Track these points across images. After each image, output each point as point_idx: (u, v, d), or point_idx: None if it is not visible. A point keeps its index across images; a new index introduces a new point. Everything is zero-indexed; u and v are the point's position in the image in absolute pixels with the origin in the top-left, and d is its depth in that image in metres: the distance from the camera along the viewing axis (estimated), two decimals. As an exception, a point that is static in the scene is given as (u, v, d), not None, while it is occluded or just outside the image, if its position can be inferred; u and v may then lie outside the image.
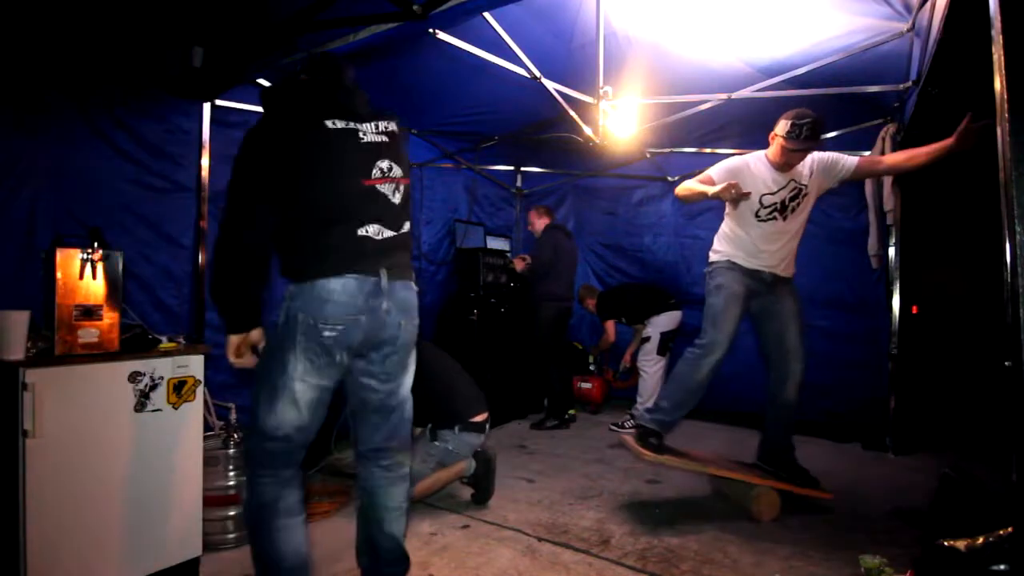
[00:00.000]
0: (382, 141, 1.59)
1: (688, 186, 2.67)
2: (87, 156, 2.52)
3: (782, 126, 2.50)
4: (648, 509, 2.73)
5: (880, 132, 3.41)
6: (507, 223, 5.54)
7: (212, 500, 2.19)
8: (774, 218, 2.61)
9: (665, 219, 5.04)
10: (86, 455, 1.81)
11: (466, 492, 2.81)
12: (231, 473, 2.31)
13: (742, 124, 3.81)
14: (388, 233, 1.57)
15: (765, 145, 2.64)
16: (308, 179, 1.48)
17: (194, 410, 2.05)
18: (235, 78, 2.71)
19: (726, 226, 2.76)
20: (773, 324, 2.72)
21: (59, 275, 1.84)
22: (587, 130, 3.41)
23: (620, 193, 5.31)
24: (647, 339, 4.35)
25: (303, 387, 1.48)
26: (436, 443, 2.68)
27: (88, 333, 1.89)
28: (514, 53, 2.75)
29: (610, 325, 4.66)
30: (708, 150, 4.35)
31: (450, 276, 4.74)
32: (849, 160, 2.62)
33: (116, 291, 1.95)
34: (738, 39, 2.79)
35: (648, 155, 4.54)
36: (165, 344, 2.07)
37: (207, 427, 2.43)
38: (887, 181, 3.43)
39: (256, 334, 1.58)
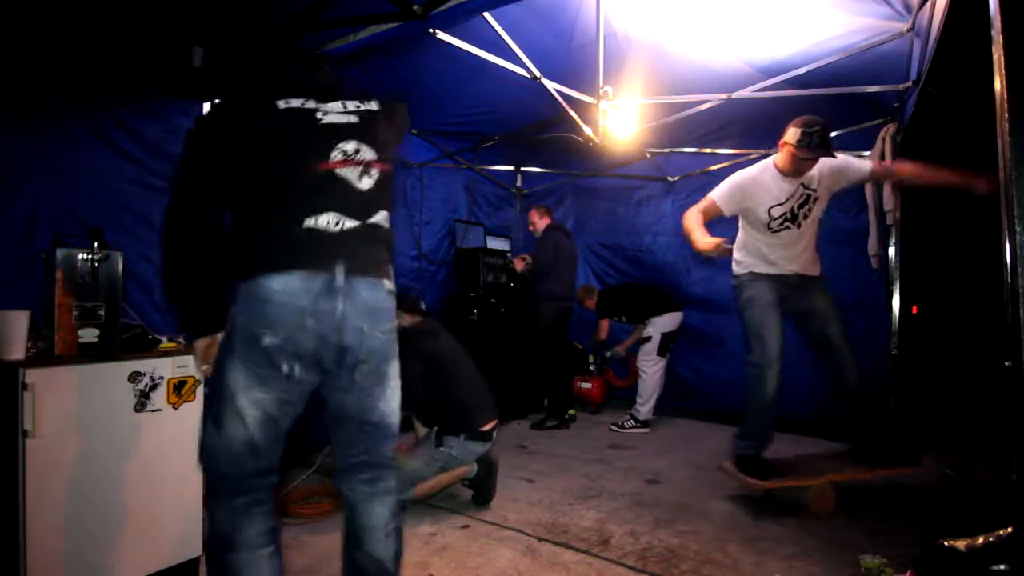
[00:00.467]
0: (348, 122, 1.39)
1: (687, 220, 2.64)
2: (87, 156, 2.52)
3: (792, 134, 2.50)
4: (648, 509, 2.73)
5: (880, 132, 3.41)
6: (507, 223, 5.54)
7: (212, 500, 2.18)
8: (787, 227, 2.63)
9: (665, 219, 5.03)
10: (86, 455, 1.81)
11: (467, 492, 2.81)
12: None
13: (742, 124, 3.81)
14: (350, 223, 1.34)
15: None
16: (254, 166, 1.32)
17: (194, 410, 2.04)
18: (236, 78, 2.71)
19: (742, 237, 2.78)
20: (813, 323, 2.74)
21: (59, 275, 1.84)
22: (587, 130, 3.41)
23: (620, 193, 5.31)
24: (648, 339, 4.35)
25: (247, 401, 1.28)
26: (441, 448, 2.67)
27: (88, 333, 1.89)
28: (514, 53, 2.74)
29: (604, 324, 4.66)
30: (708, 150, 4.35)
31: (450, 276, 4.74)
32: (863, 164, 2.66)
33: (116, 291, 1.95)
34: (738, 39, 2.79)
35: (648, 155, 4.54)
36: (165, 344, 2.08)
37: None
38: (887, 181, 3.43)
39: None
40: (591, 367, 5.12)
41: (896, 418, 2.83)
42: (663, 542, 2.36)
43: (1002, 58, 1.21)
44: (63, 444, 1.75)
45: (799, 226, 2.64)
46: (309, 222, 1.30)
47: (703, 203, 2.68)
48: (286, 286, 1.26)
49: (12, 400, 1.69)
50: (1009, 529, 1.37)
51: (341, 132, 1.38)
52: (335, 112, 1.39)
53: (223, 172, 1.33)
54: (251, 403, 1.28)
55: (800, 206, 2.62)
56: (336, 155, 1.35)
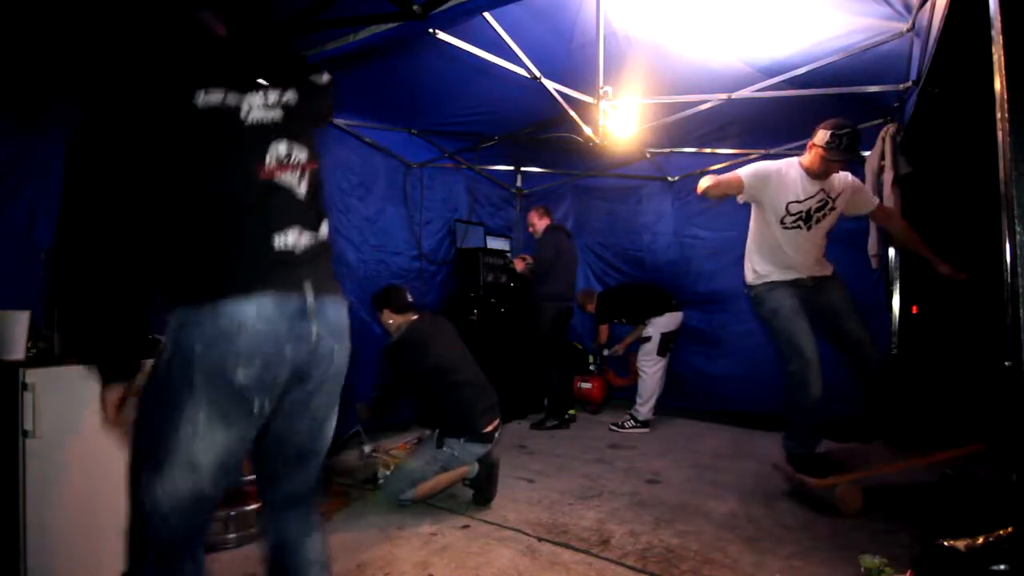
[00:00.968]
0: (274, 119, 1.19)
1: (707, 179, 2.62)
2: (87, 156, 2.52)
3: (821, 136, 2.53)
4: (648, 509, 2.73)
5: (880, 132, 3.41)
6: (507, 223, 5.55)
7: (212, 500, 2.18)
8: (798, 227, 2.64)
9: (665, 219, 5.03)
10: (86, 455, 1.81)
11: (467, 492, 2.81)
12: (231, 473, 2.31)
13: (742, 124, 3.81)
14: (307, 239, 1.19)
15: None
16: (180, 173, 1.10)
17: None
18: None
19: (752, 241, 2.79)
20: (830, 324, 2.75)
21: (59, 275, 1.84)
22: (587, 130, 3.41)
23: (620, 193, 5.31)
24: (648, 339, 4.35)
25: (204, 447, 1.07)
26: (443, 449, 2.67)
27: (88, 333, 1.89)
28: (514, 53, 2.74)
29: (603, 329, 4.65)
30: (708, 150, 4.35)
31: (450, 276, 4.74)
32: (873, 200, 2.76)
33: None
34: (738, 39, 2.79)
35: (648, 155, 4.54)
36: (165, 344, 2.07)
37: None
38: (887, 181, 3.43)
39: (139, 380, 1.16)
40: (591, 367, 5.12)
41: (921, 405, 2.85)
42: (663, 542, 2.36)
43: (1002, 58, 1.21)
44: (63, 444, 1.75)
45: (809, 228, 2.65)
46: (279, 240, 1.14)
47: (727, 175, 2.66)
48: (260, 311, 1.07)
49: (12, 400, 1.69)
50: (1009, 529, 1.37)
51: (270, 132, 1.18)
52: (258, 107, 1.18)
53: (135, 176, 1.10)
54: (209, 449, 1.08)
55: (817, 209, 2.64)
56: (270, 160, 1.17)
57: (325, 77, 1.36)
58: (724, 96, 3.22)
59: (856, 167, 3.53)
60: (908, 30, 2.51)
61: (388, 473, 2.87)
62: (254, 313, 1.07)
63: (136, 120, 1.11)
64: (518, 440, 4.03)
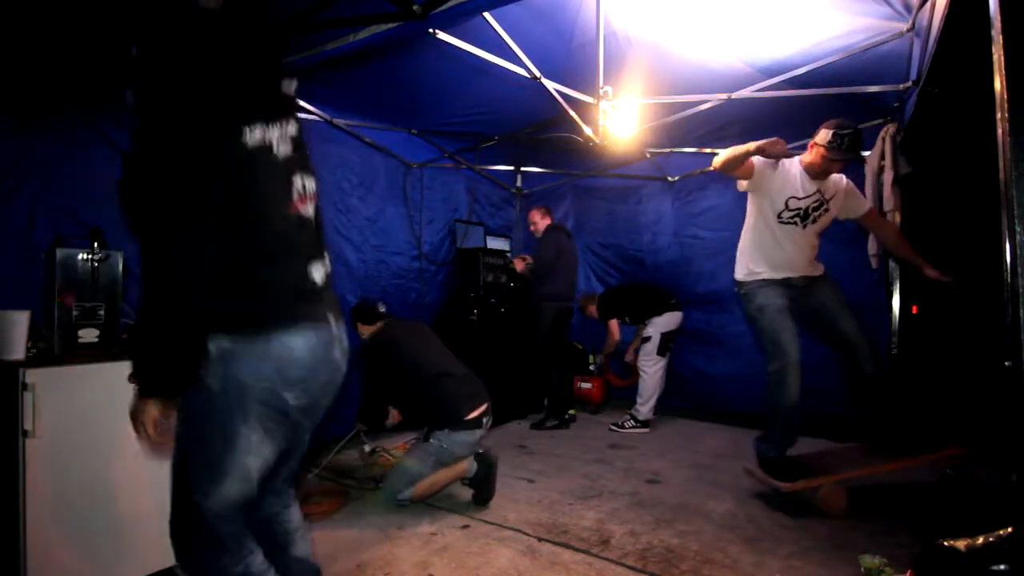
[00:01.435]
0: (288, 154, 1.24)
1: (729, 150, 2.57)
2: (87, 156, 2.52)
3: (823, 135, 2.54)
4: (648, 509, 2.73)
5: (880, 132, 3.41)
6: (507, 223, 5.55)
7: (212, 500, 2.18)
8: (794, 223, 2.64)
9: (665, 219, 5.03)
10: (86, 455, 1.81)
11: (466, 492, 2.81)
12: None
13: (742, 124, 3.80)
14: (325, 269, 1.31)
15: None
16: (231, 206, 1.14)
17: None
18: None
19: (746, 237, 2.78)
20: (822, 323, 2.75)
21: (59, 275, 1.84)
22: (587, 130, 3.41)
23: (620, 193, 5.31)
24: (648, 339, 4.36)
25: (256, 460, 1.22)
26: (431, 441, 2.68)
27: (88, 333, 1.89)
28: (514, 53, 2.74)
29: (613, 324, 4.64)
30: (708, 150, 4.35)
31: (450, 276, 4.74)
32: (866, 204, 2.76)
33: (116, 291, 1.95)
34: (738, 39, 2.79)
35: (648, 155, 4.54)
36: (165, 344, 2.07)
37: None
38: (887, 181, 3.43)
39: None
40: (591, 367, 5.12)
41: (912, 406, 2.84)
42: (663, 542, 2.36)
43: (1002, 58, 1.21)
44: (63, 444, 1.75)
45: (805, 227, 2.66)
46: (314, 274, 1.26)
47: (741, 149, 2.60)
48: (307, 342, 1.21)
49: (12, 400, 1.69)
50: (1009, 529, 1.37)
51: (291, 166, 1.25)
52: (281, 140, 1.23)
53: (201, 219, 1.12)
54: (257, 462, 1.23)
55: (814, 209, 2.65)
56: (295, 194, 1.24)
57: (293, 85, 1.34)
58: (724, 96, 3.22)
59: (856, 167, 3.54)
60: (908, 30, 2.51)
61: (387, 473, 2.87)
62: (301, 343, 1.20)
63: (196, 160, 1.12)
64: (518, 440, 4.03)
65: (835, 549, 2.26)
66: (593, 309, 4.75)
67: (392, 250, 4.27)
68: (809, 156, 2.62)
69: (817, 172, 2.61)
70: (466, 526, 2.53)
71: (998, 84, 1.22)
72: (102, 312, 1.92)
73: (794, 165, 2.66)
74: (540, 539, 2.39)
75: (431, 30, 2.43)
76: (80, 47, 2.42)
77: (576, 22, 2.73)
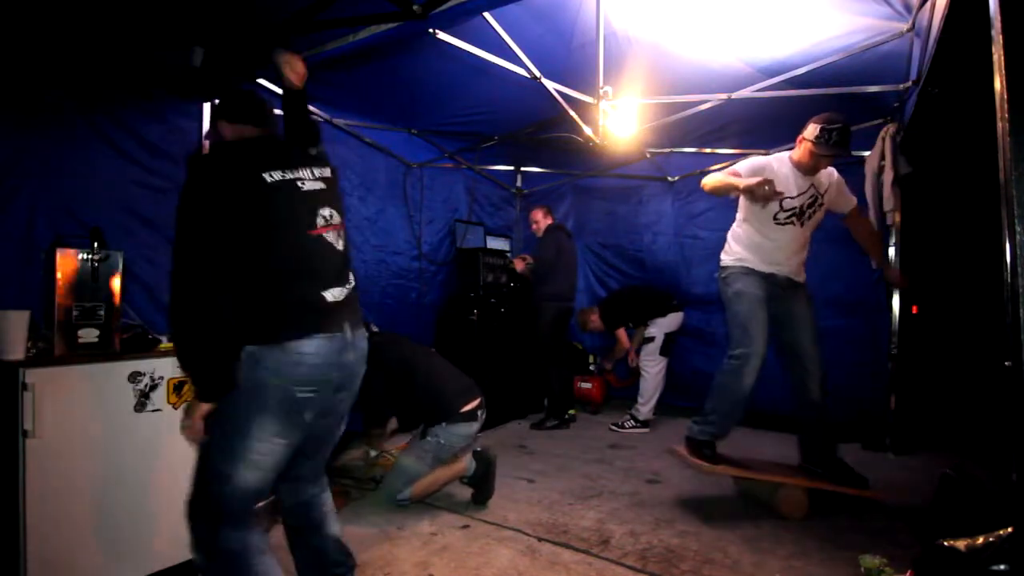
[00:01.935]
0: (319, 188, 1.54)
1: (717, 178, 2.59)
2: (87, 156, 2.52)
3: (811, 130, 2.50)
4: (648, 509, 2.73)
5: (880, 132, 3.41)
6: (507, 223, 5.55)
7: (212, 500, 2.18)
8: (792, 223, 2.62)
9: (665, 219, 5.04)
10: (86, 455, 1.81)
11: (466, 492, 2.81)
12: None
13: (742, 124, 3.81)
14: (348, 286, 1.56)
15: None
16: (257, 235, 1.42)
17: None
18: (235, 78, 2.71)
19: (741, 229, 2.74)
20: (786, 331, 2.72)
21: (59, 275, 1.84)
22: (587, 130, 3.41)
23: (620, 193, 5.31)
24: (651, 339, 4.35)
25: (270, 450, 1.43)
26: (428, 438, 2.68)
27: (88, 333, 1.89)
28: (514, 53, 2.74)
29: (622, 333, 4.62)
30: (708, 150, 4.35)
31: (450, 276, 4.74)
32: (851, 200, 2.73)
33: (116, 291, 1.95)
34: (738, 39, 2.79)
35: (648, 155, 4.54)
36: (165, 344, 2.07)
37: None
38: (887, 181, 3.44)
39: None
40: (591, 367, 5.12)
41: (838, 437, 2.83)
42: (663, 542, 2.36)
43: (1002, 58, 1.21)
44: (63, 444, 1.75)
45: (802, 225, 2.63)
46: (328, 294, 1.48)
47: (727, 177, 2.59)
48: (318, 349, 1.43)
49: (12, 400, 1.69)
50: (1009, 529, 1.37)
51: (318, 198, 1.53)
52: (310, 180, 1.52)
53: (223, 245, 1.40)
54: (272, 451, 1.43)
55: (809, 206, 2.62)
56: (320, 221, 1.51)
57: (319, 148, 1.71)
58: (724, 96, 3.22)
59: (857, 167, 3.54)
60: (908, 30, 2.51)
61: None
62: (313, 350, 1.42)
63: (224, 195, 1.41)
64: (518, 440, 4.03)
65: (835, 549, 2.26)
66: (596, 320, 4.72)
67: (392, 250, 4.27)
68: (798, 152, 2.58)
69: (807, 168, 2.57)
70: (466, 526, 2.53)
71: (998, 84, 1.23)
72: (102, 312, 1.92)
73: (784, 164, 2.61)
74: (540, 539, 2.39)
75: (431, 30, 2.43)
76: (80, 47, 2.42)
77: (576, 22, 2.74)
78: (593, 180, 5.37)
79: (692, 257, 4.84)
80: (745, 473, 2.66)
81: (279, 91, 3.15)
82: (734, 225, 2.77)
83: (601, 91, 2.94)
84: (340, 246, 1.57)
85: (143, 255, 2.67)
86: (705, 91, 3.26)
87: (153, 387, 1.96)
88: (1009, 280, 1.19)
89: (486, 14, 2.42)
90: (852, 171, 2.83)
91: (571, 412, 4.52)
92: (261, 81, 3.03)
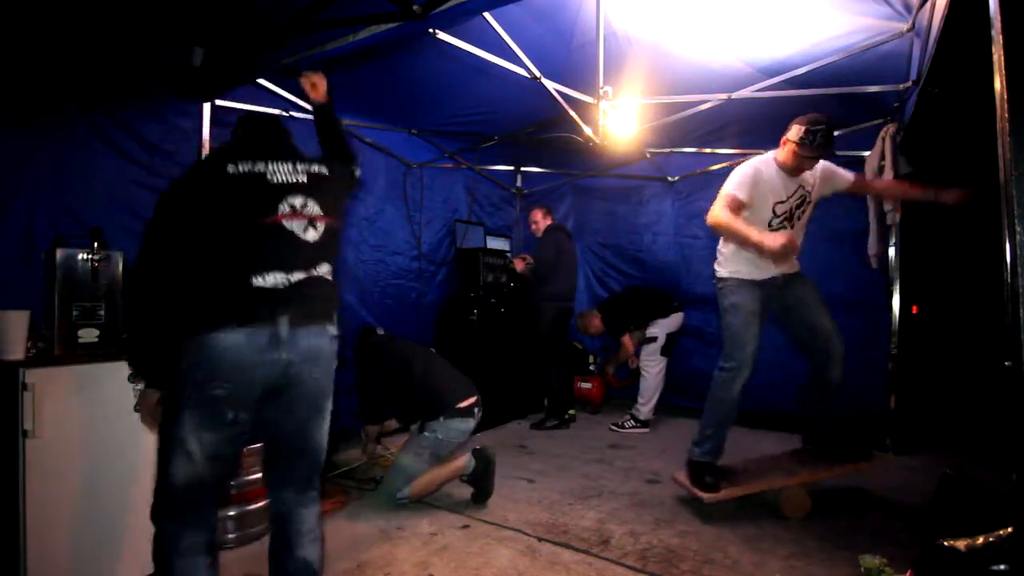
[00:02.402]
0: (298, 181, 1.53)
1: (724, 219, 2.48)
2: (87, 156, 2.52)
3: (795, 131, 2.48)
4: (648, 509, 2.73)
5: (880, 132, 3.41)
6: (507, 223, 5.54)
7: (212, 500, 2.18)
8: (784, 226, 2.61)
9: (665, 219, 5.03)
10: (86, 455, 1.81)
11: (466, 492, 2.81)
12: (231, 473, 2.31)
13: (742, 124, 3.81)
14: (297, 276, 1.47)
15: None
16: (205, 229, 1.44)
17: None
18: (235, 78, 2.71)
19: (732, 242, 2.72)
20: (798, 315, 2.72)
21: (59, 275, 1.84)
22: (587, 130, 3.40)
23: (620, 193, 5.31)
24: (653, 340, 4.35)
25: (195, 441, 1.40)
26: (425, 434, 2.69)
27: (88, 333, 1.89)
28: (514, 53, 2.74)
29: (627, 340, 4.60)
30: (708, 150, 4.35)
31: (450, 276, 4.74)
32: (847, 174, 2.69)
33: (116, 291, 1.95)
34: (738, 39, 2.79)
35: (648, 155, 4.54)
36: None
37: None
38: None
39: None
40: (591, 367, 5.12)
41: (849, 411, 2.83)
42: (663, 542, 2.36)
43: (1002, 58, 1.21)
44: (63, 444, 1.76)
45: (793, 226, 2.63)
46: (257, 281, 1.41)
47: (727, 202, 2.51)
48: (234, 343, 1.38)
49: (12, 400, 1.69)
50: (1009, 529, 1.37)
51: (290, 189, 1.51)
52: (285, 172, 1.52)
53: (178, 238, 1.45)
54: (200, 443, 1.40)
55: (798, 206, 2.61)
56: (283, 208, 1.48)
57: (357, 171, 1.86)
58: (724, 96, 3.22)
59: (854, 166, 3.54)
60: (908, 30, 2.51)
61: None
62: (229, 344, 1.38)
63: (187, 189, 1.48)
64: (518, 440, 4.03)
65: (835, 549, 2.26)
66: (597, 323, 4.71)
67: (392, 250, 4.27)
68: (783, 154, 2.56)
69: (792, 169, 2.55)
70: (466, 526, 2.53)
71: (998, 84, 1.22)
72: (102, 312, 1.92)
73: (769, 166, 2.59)
74: (540, 539, 2.39)
75: (431, 30, 2.43)
76: (80, 47, 2.42)
77: (576, 22, 2.73)
78: (593, 180, 5.37)
79: (692, 257, 4.84)
80: (747, 490, 2.65)
81: (279, 91, 3.17)
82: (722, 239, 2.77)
83: (601, 91, 2.94)
84: (310, 237, 1.52)
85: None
86: (705, 91, 3.26)
87: (153, 387, 1.95)
88: (1009, 280, 1.19)
89: (486, 14, 2.42)
90: (852, 171, 2.82)
91: (571, 412, 4.52)
92: (261, 81, 3.04)
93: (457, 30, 2.56)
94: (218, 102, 2.92)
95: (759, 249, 2.42)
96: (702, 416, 2.76)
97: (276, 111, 3.32)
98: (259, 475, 2.38)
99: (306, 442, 1.56)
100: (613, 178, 5.24)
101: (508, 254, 4.96)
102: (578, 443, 3.95)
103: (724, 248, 2.77)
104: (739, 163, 2.74)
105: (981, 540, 1.39)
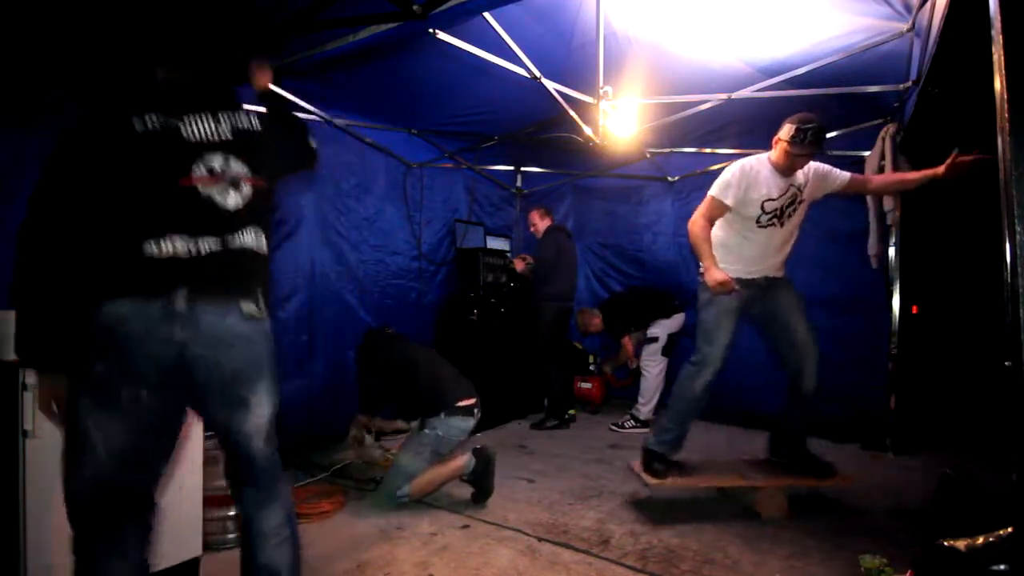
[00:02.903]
0: (220, 138, 1.35)
1: (697, 234, 2.61)
2: (87, 156, 2.52)
3: (786, 130, 2.50)
4: (648, 509, 2.73)
5: (880, 132, 3.41)
6: (507, 223, 5.54)
7: (212, 500, 2.18)
8: (773, 224, 2.62)
9: (665, 219, 5.03)
10: (86, 455, 1.81)
11: (466, 492, 2.81)
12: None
13: (742, 124, 3.81)
14: (207, 245, 1.29)
15: (765, 145, 2.64)
16: (99, 190, 1.27)
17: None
18: (235, 78, 2.71)
19: (723, 234, 2.71)
20: (777, 322, 2.72)
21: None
22: (587, 130, 3.41)
23: (620, 193, 5.31)
24: (654, 340, 4.35)
25: (94, 429, 1.22)
26: (425, 431, 2.70)
27: (88, 333, 1.88)
28: (514, 53, 2.74)
29: (627, 342, 4.60)
30: (708, 150, 4.35)
31: (450, 276, 4.74)
32: (842, 174, 2.68)
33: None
34: (738, 39, 2.79)
35: (648, 155, 4.54)
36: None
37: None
38: (887, 181, 3.44)
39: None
40: (591, 367, 5.12)
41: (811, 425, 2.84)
42: (663, 542, 2.36)
43: (1002, 58, 1.21)
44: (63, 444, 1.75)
45: (783, 225, 2.63)
46: (149, 248, 1.24)
47: (706, 208, 2.62)
48: (117, 314, 1.22)
49: (12, 400, 1.69)
50: (1009, 529, 1.37)
51: (208, 148, 1.33)
52: (204, 127, 1.34)
53: (73, 202, 1.27)
54: (100, 432, 1.22)
55: (788, 205, 2.61)
56: (198, 170, 1.30)
57: (313, 143, 1.65)
58: (724, 96, 3.22)
59: (854, 166, 3.54)
60: (908, 30, 2.51)
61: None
62: (113, 315, 1.22)
63: (87, 144, 1.30)
64: (518, 440, 4.03)
65: (835, 549, 2.26)
66: (598, 323, 4.71)
67: (392, 250, 4.27)
68: (775, 153, 2.58)
69: (784, 168, 2.56)
70: (466, 526, 2.53)
71: (998, 84, 1.22)
72: (102, 312, 1.91)
73: (764, 166, 2.60)
74: (540, 539, 2.39)
75: (431, 30, 2.43)
76: (80, 46, 2.42)
77: (576, 22, 2.74)
78: (593, 180, 5.37)
79: (692, 257, 4.81)
80: (692, 483, 2.69)
81: (279, 91, 3.17)
82: (715, 228, 2.74)
83: (601, 91, 2.94)
84: (230, 203, 1.34)
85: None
86: (705, 91, 3.26)
87: (153, 387, 1.94)
88: (1009, 280, 1.19)
89: (486, 14, 2.42)
90: (852, 171, 2.81)
91: (571, 412, 4.52)
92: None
93: (457, 30, 2.56)
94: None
95: (707, 273, 2.53)
96: (666, 407, 2.82)
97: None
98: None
99: (234, 436, 1.37)
100: (613, 178, 5.24)
101: (508, 254, 4.97)
102: (578, 443, 3.95)
103: (714, 240, 2.74)
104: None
105: (981, 540, 1.39)
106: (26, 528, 1.66)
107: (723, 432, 4.22)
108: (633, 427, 4.28)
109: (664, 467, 2.66)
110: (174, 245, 1.26)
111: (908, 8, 2.41)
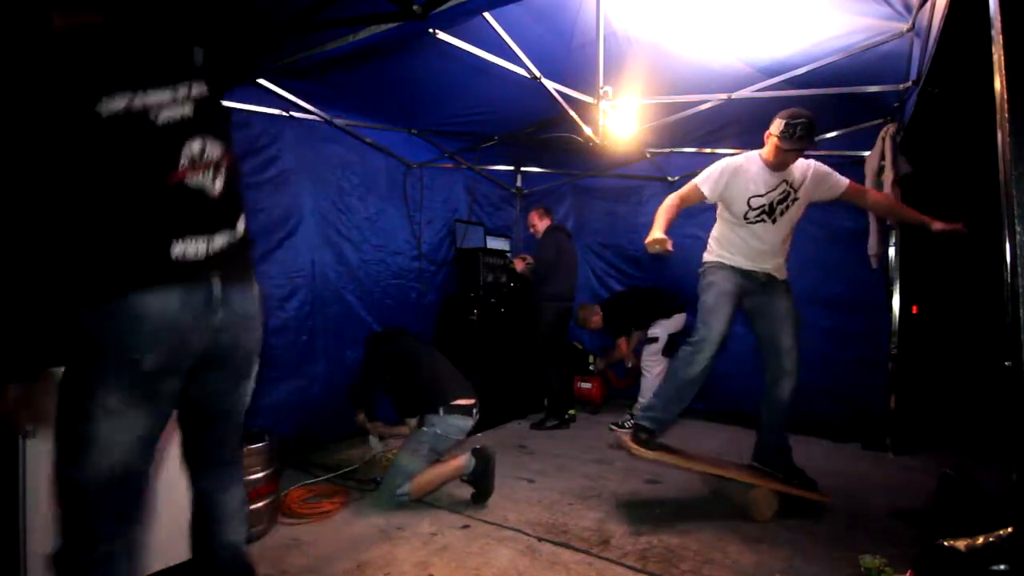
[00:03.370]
0: (184, 115, 1.24)
1: (664, 203, 2.67)
2: (87, 156, 2.51)
3: (776, 125, 2.51)
4: (648, 509, 2.73)
5: (880, 132, 3.41)
6: (507, 223, 5.54)
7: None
8: (763, 220, 2.62)
9: (665, 219, 5.03)
10: (86, 455, 1.81)
11: (466, 492, 2.81)
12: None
13: (742, 124, 3.80)
14: (219, 240, 1.27)
15: (764, 144, 2.64)
16: (89, 181, 1.16)
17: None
18: (235, 78, 2.72)
19: (717, 229, 2.78)
20: (766, 324, 2.73)
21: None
22: (587, 130, 3.41)
23: (620, 193, 5.31)
24: (655, 340, 4.35)
25: (119, 430, 1.17)
26: (424, 428, 2.70)
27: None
28: (514, 53, 2.74)
29: (623, 342, 4.60)
30: (708, 150, 4.34)
31: (450, 276, 4.74)
32: (841, 181, 2.67)
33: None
34: (738, 39, 2.79)
35: (648, 155, 4.54)
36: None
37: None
38: (887, 181, 3.43)
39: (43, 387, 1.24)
40: (591, 367, 5.12)
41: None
42: (663, 542, 2.36)
43: (1002, 58, 1.21)
44: (63, 444, 1.75)
45: (774, 221, 2.63)
46: (177, 249, 1.20)
47: (685, 188, 2.70)
48: (166, 303, 1.17)
49: (12, 400, 1.69)
50: (1009, 529, 1.37)
51: (182, 130, 1.24)
52: (169, 105, 1.22)
53: (44, 190, 1.18)
54: (124, 431, 1.18)
55: (779, 202, 2.61)
56: (184, 161, 1.23)
57: (199, 56, 1.39)
58: (724, 96, 3.22)
59: (857, 167, 3.54)
60: (908, 30, 2.51)
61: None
62: (159, 304, 1.16)
63: (42, 136, 1.16)
64: (518, 440, 4.03)
65: (836, 549, 2.26)
66: (598, 319, 4.71)
67: (392, 250, 4.27)
68: (767, 149, 2.59)
69: (776, 164, 2.57)
70: (466, 526, 2.53)
71: (998, 84, 1.23)
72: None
73: (754, 162, 2.62)
74: (540, 539, 2.39)
75: (431, 30, 2.43)
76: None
77: (576, 22, 2.73)
78: (593, 180, 5.37)
79: (692, 257, 4.81)
80: (683, 463, 2.68)
81: (279, 91, 3.17)
82: (714, 228, 2.81)
83: (601, 91, 2.94)
84: (217, 188, 1.29)
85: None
86: (705, 91, 3.26)
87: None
88: (1009, 280, 1.19)
89: (486, 14, 2.42)
90: (852, 171, 2.82)
91: (571, 412, 4.52)
92: (261, 81, 3.04)
93: (457, 30, 2.56)
94: (218, 102, 2.92)
95: (648, 237, 2.53)
96: (659, 385, 2.85)
97: (276, 111, 3.33)
98: (261, 474, 2.38)
99: (231, 414, 1.42)
100: (613, 178, 5.24)
101: (508, 254, 4.96)
102: (578, 443, 3.95)
103: (713, 233, 2.81)
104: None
105: (981, 540, 1.39)
106: (26, 528, 1.67)
107: (726, 433, 4.22)
108: (631, 426, 4.28)
109: (649, 437, 2.66)
110: (198, 248, 1.24)
111: (908, 8, 2.41)
